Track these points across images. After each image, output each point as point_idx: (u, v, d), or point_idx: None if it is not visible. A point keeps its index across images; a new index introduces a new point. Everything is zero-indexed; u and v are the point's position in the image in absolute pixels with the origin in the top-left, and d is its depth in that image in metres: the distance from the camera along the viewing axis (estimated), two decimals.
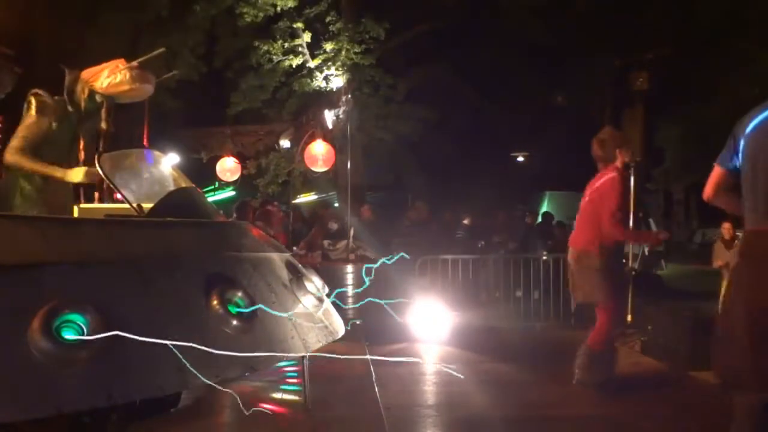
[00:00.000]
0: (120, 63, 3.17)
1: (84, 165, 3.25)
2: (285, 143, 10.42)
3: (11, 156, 3.07)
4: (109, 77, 3.12)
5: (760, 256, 2.35)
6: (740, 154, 2.48)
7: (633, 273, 6.83)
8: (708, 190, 2.65)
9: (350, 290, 6.40)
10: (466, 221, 9.91)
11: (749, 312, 2.32)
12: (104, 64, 3.19)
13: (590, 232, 4.49)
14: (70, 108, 3.21)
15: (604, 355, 4.45)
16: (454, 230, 9.99)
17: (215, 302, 1.95)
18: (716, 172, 2.61)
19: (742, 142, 2.46)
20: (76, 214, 3.21)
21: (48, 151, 3.17)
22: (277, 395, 4.32)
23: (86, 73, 3.20)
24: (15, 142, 3.07)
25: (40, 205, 3.15)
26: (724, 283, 7.37)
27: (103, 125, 3.18)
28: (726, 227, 7.49)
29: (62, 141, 3.22)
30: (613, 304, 4.55)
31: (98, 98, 3.18)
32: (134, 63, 3.17)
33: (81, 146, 3.30)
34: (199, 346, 1.71)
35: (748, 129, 2.44)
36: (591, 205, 4.49)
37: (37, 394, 1.53)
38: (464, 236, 9.60)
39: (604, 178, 4.51)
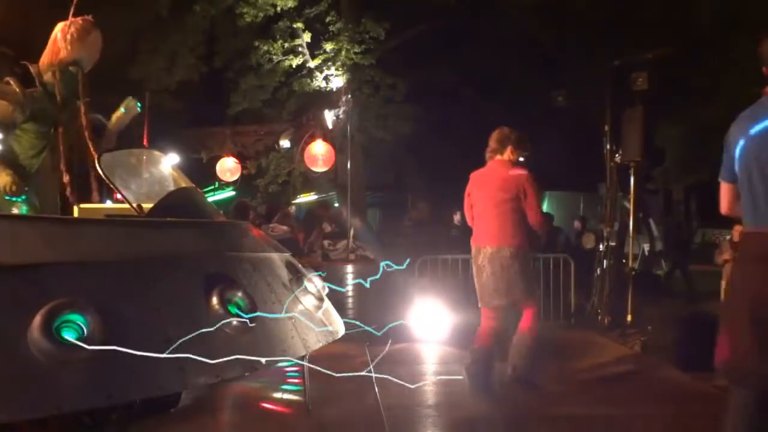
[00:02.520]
0: (60, 27, 3.08)
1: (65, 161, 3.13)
2: (285, 143, 10.42)
3: None
4: (68, 37, 3.03)
5: (755, 256, 2.40)
6: (737, 157, 2.52)
7: (633, 273, 6.86)
8: (723, 206, 2.72)
9: (350, 290, 6.40)
10: (456, 217, 9.86)
11: (743, 308, 2.39)
12: (50, 41, 3.09)
13: (519, 229, 4.39)
14: (47, 100, 3.08)
15: (537, 345, 4.47)
16: (449, 228, 9.97)
17: (215, 302, 1.95)
18: (724, 187, 2.67)
19: (740, 143, 2.50)
20: (76, 214, 3.21)
21: (18, 145, 3.06)
22: (277, 395, 4.32)
23: (46, 58, 3.09)
24: None
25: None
26: (723, 282, 7.38)
27: (81, 102, 3.10)
28: (737, 229, 7.48)
29: (36, 136, 3.10)
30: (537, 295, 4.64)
31: (73, 69, 3.09)
32: (69, 20, 3.08)
33: (60, 139, 3.15)
34: (198, 347, 1.71)
35: (752, 131, 2.46)
36: (513, 202, 4.37)
37: (37, 394, 1.53)
38: (458, 233, 9.57)
39: (515, 174, 4.44)
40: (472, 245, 4.59)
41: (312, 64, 10.48)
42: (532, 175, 4.47)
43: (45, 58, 3.10)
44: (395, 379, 2.00)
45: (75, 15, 3.12)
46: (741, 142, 2.51)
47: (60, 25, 3.09)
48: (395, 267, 2.41)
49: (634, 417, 4.03)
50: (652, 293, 7.75)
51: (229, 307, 1.97)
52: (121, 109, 3.37)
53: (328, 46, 10.26)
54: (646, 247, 11.16)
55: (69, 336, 1.58)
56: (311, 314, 2.39)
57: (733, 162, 2.56)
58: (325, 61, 10.35)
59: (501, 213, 4.41)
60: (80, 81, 3.13)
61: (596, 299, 7.15)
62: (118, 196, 3.07)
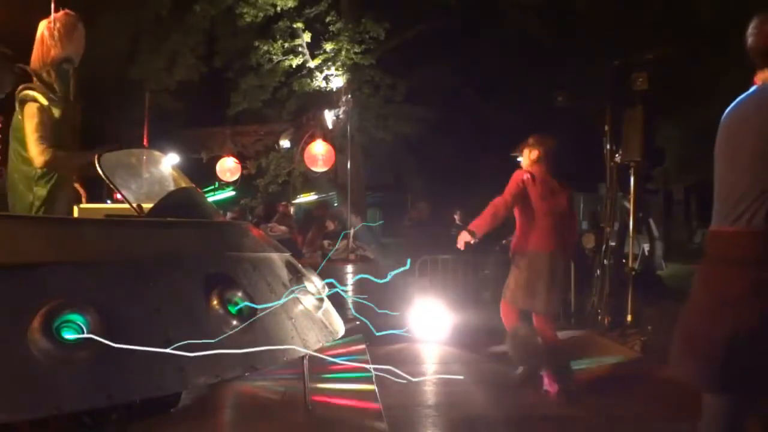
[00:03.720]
0: (45, 25, 3.05)
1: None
2: (285, 143, 10.43)
3: (47, 155, 2.86)
4: (55, 35, 2.99)
5: (715, 258, 2.31)
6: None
7: (633, 273, 6.85)
8: None
9: (350, 290, 6.40)
10: (456, 217, 9.85)
11: (706, 316, 2.30)
12: (37, 41, 3.06)
13: (562, 233, 4.46)
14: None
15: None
16: (449, 228, 9.97)
17: (215, 302, 1.95)
18: None
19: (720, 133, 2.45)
20: (76, 214, 3.21)
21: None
22: (277, 395, 4.32)
23: (37, 58, 3.05)
24: (38, 143, 2.86)
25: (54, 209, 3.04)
26: None
27: (72, 97, 3.08)
28: None
29: (62, 132, 3.07)
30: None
31: (66, 66, 3.06)
32: (53, 17, 3.05)
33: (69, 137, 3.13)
34: (198, 345, 1.71)
35: (721, 122, 2.43)
36: (562, 207, 4.48)
37: (37, 394, 1.53)
38: (456, 233, 9.56)
39: (566, 189, 4.59)
40: (533, 249, 4.40)
41: (312, 64, 10.48)
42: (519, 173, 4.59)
43: (36, 58, 3.07)
44: (391, 376, 2.00)
45: (68, 12, 3.10)
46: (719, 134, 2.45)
47: (44, 23, 3.07)
48: (399, 269, 2.39)
49: (634, 417, 4.03)
50: (652, 293, 7.74)
51: (229, 307, 1.97)
52: None
53: (328, 46, 10.26)
54: (646, 247, 11.14)
55: (69, 336, 1.58)
56: (311, 314, 2.39)
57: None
58: (325, 61, 10.34)
59: (560, 218, 4.45)
60: (72, 78, 3.11)
61: (596, 299, 7.14)
62: (118, 196, 3.07)
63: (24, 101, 2.95)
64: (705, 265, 2.35)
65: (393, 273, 2.28)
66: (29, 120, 2.92)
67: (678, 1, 11.51)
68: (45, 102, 2.93)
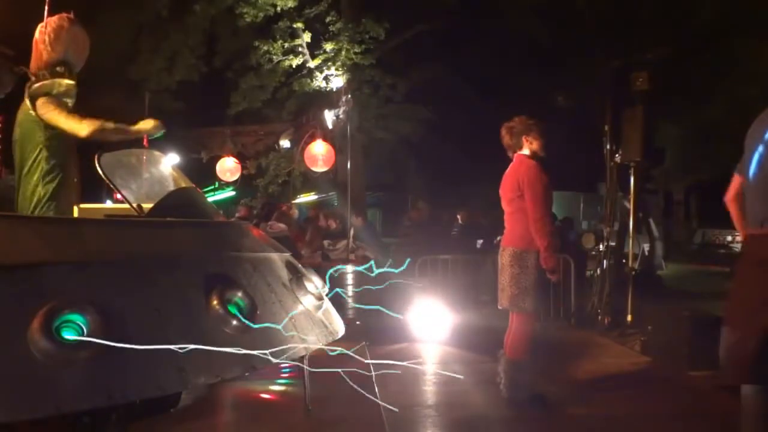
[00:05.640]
0: (39, 29, 3.06)
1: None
2: (285, 143, 10.42)
3: (91, 124, 2.86)
4: (45, 39, 3.00)
5: (754, 260, 2.38)
6: (755, 162, 2.51)
7: (633, 273, 6.86)
8: (728, 194, 2.70)
9: (350, 290, 6.39)
10: (459, 217, 9.85)
11: (746, 315, 2.37)
12: (33, 46, 3.08)
13: (525, 230, 4.13)
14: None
15: (528, 364, 4.12)
16: (451, 229, 9.97)
17: (215, 302, 1.95)
18: (735, 179, 2.66)
19: (761, 148, 2.49)
20: (76, 214, 3.21)
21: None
22: (277, 395, 4.33)
23: (34, 62, 3.07)
24: (72, 117, 2.88)
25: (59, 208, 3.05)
26: None
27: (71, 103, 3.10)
28: None
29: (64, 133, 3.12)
30: (535, 308, 4.16)
31: (59, 70, 3.06)
32: (45, 20, 3.06)
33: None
34: (199, 346, 1.71)
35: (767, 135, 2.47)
36: (520, 200, 4.12)
37: (37, 394, 1.53)
38: (458, 234, 9.55)
39: (522, 168, 4.16)
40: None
41: (312, 64, 10.49)
42: (534, 165, 4.18)
43: (32, 61, 3.09)
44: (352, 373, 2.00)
45: (75, 15, 3.10)
46: (759, 148, 2.49)
47: (39, 27, 3.08)
48: (395, 270, 2.40)
49: (634, 417, 4.03)
50: (652, 293, 7.74)
51: (229, 307, 1.97)
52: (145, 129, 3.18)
53: (328, 46, 10.26)
54: (646, 247, 11.15)
55: (69, 336, 1.58)
56: (311, 314, 2.39)
57: (748, 162, 2.56)
58: (325, 61, 10.35)
59: (514, 214, 4.22)
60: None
61: (596, 299, 7.15)
62: (118, 196, 3.08)
63: (35, 96, 2.96)
64: (743, 266, 2.43)
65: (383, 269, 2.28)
66: (46, 106, 2.92)
67: (678, 1, 11.52)
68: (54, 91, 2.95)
